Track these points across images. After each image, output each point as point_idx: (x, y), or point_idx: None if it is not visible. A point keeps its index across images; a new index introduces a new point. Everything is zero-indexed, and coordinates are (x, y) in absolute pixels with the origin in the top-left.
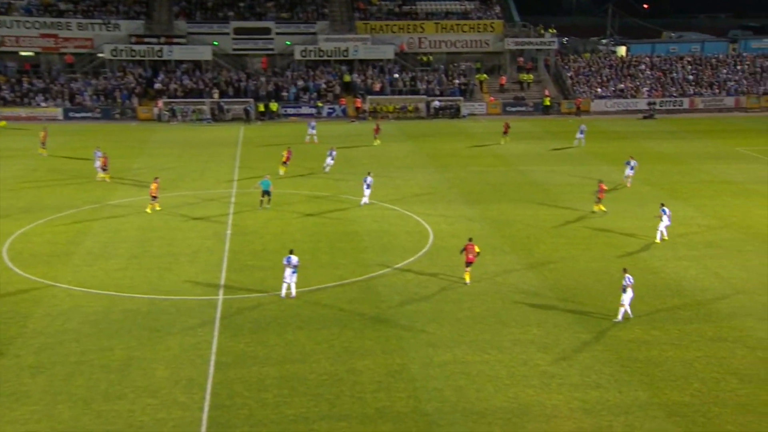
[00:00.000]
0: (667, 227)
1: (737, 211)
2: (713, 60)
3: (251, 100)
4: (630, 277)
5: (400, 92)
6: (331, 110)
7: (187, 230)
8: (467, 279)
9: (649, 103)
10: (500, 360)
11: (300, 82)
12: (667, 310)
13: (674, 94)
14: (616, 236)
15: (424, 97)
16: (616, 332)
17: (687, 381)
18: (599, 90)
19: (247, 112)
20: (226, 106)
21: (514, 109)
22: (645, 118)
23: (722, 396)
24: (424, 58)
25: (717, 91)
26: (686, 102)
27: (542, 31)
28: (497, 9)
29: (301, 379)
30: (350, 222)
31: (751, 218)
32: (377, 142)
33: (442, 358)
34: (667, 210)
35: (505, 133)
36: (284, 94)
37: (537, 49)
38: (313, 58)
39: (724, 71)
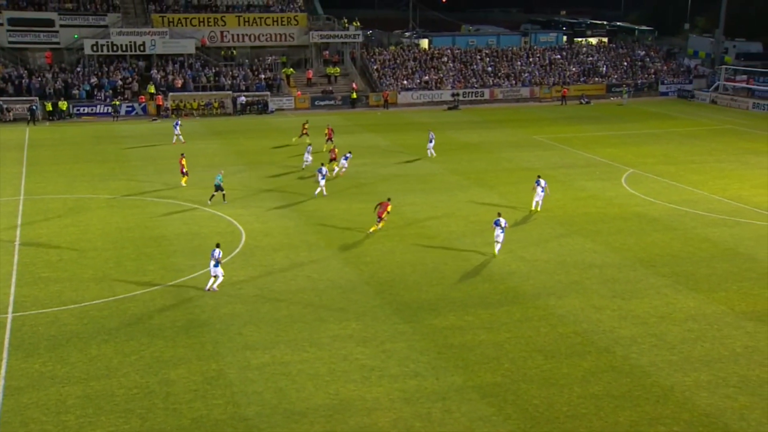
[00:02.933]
0: (541, 199)
1: (530, 197)
2: (509, 52)
3: (36, 98)
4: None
5: (204, 88)
6: (130, 108)
7: None
8: (374, 229)
9: (453, 94)
10: (320, 357)
11: (93, 79)
12: (478, 296)
13: (475, 85)
14: (428, 227)
15: (230, 92)
16: (431, 320)
17: (498, 362)
18: (405, 82)
19: (32, 111)
20: (5, 106)
21: (322, 103)
22: (450, 108)
23: (529, 373)
24: (228, 53)
25: (513, 82)
26: (487, 92)
27: (346, 25)
28: (299, 2)
29: (108, 395)
30: (157, 226)
31: (549, 202)
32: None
33: (261, 360)
34: (542, 182)
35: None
36: (75, 92)
37: (342, 42)
38: (106, 53)
39: (519, 63)
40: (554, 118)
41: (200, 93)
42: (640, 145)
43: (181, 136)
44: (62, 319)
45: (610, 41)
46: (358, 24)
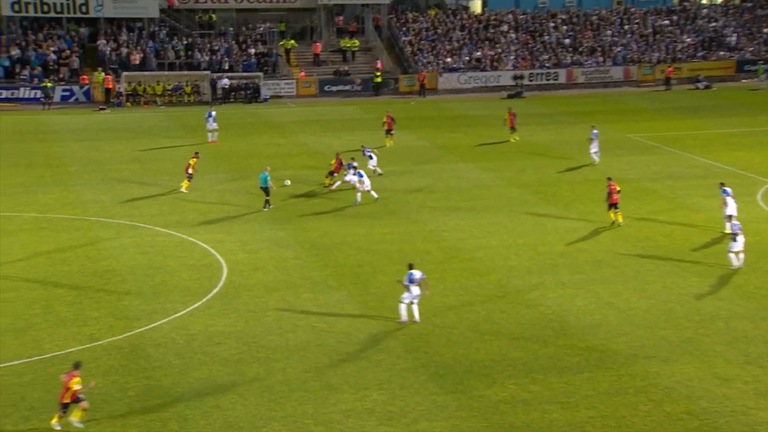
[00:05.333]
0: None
1: (632, 220)
2: (595, 18)
3: None
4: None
5: (172, 67)
6: (66, 93)
7: None
8: (620, 219)
9: (516, 77)
10: None
11: (14, 51)
12: (549, 357)
13: (547, 65)
14: (478, 260)
15: (207, 73)
16: (483, 390)
17: None
18: (449, 60)
19: None
20: None
21: (335, 88)
22: (510, 96)
23: None
24: (205, 18)
25: (601, 59)
26: (562, 74)
27: None
28: None
29: None
30: (104, 256)
31: (650, 228)
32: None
33: None
34: (729, 190)
35: (512, 128)
36: None
37: (363, 5)
38: (33, 14)
39: (609, 33)
40: (657, 109)
41: (166, 73)
42: None
43: (216, 133)
44: None
45: None
46: None
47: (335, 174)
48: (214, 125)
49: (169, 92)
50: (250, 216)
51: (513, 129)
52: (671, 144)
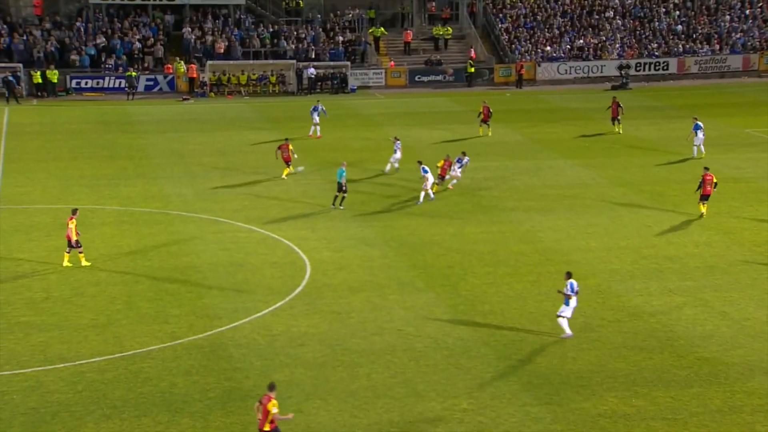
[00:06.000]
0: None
1: (749, 223)
2: (711, 2)
3: (18, 65)
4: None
5: (257, 55)
6: (151, 82)
7: None
8: (704, 210)
9: (621, 66)
10: None
11: (100, 39)
12: (654, 369)
13: (656, 53)
14: (576, 263)
15: (293, 62)
16: (581, 403)
17: None
18: (549, 49)
19: (9, 84)
20: None
21: (426, 78)
22: (615, 87)
23: None
24: (292, 4)
25: (717, 46)
26: (674, 63)
27: None
28: None
29: None
30: (186, 252)
31: None
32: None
33: None
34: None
35: (615, 118)
36: (74, 57)
37: None
38: (119, 1)
39: (728, 17)
40: None
41: (251, 62)
42: None
43: (319, 128)
44: (47, 383)
45: None
46: None
47: (444, 178)
48: (317, 119)
49: (254, 82)
50: (335, 212)
51: (616, 120)
52: None
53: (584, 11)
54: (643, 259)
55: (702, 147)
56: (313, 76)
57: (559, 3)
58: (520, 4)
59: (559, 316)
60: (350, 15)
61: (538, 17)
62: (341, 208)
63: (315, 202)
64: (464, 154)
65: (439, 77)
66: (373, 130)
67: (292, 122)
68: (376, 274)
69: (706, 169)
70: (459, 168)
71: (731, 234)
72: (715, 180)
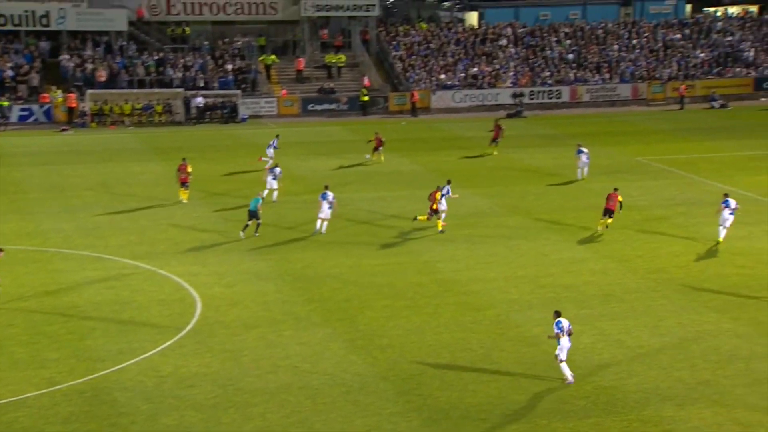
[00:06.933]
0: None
1: (643, 250)
2: (600, 31)
3: None
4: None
5: (142, 84)
6: (25, 112)
7: None
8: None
9: (515, 95)
10: None
11: None
12: (553, 400)
13: (549, 81)
14: (474, 293)
15: (180, 90)
16: None
17: None
18: (443, 77)
19: None
20: None
21: (319, 107)
22: (510, 116)
23: None
24: (178, 31)
25: (608, 75)
26: (566, 92)
27: None
28: None
29: None
30: (66, 291)
31: (661, 259)
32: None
33: None
34: (732, 202)
35: (494, 140)
36: None
37: (350, 17)
38: None
39: (616, 47)
40: (669, 129)
41: (135, 91)
42: None
43: (272, 160)
44: None
45: (762, 11)
46: None
47: (436, 212)
48: (272, 152)
49: (139, 111)
50: (228, 246)
51: (494, 142)
52: (684, 168)
53: (477, 39)
54: (540, 288)
55: (585, 170)
56: (201, 105)
57: (453, 31)
58: (413, 31)
59: (558, 359)
60: (239, 42)
61: (432, 45)
62: (256, 234)
63: (205, 235)
64: (449, 182)
65: (333, 106)
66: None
67: (180, 153)
68: (270, 310)
69: (616, 189)
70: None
71: (626, 262)
72: (620, 199)
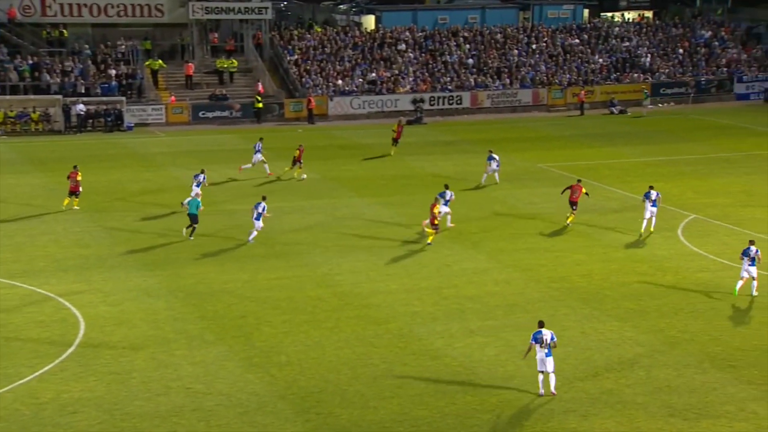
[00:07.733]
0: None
1: (545, 259)
2: (500, 35)
3: None
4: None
5: (15, 90)
6: None
7: None
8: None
9: (415, 101)
10: None
11: None
12: (457, 415)
13: (449, 87)
14: (375, 306)
15: (59, 97)
16: None
17: None
18: (340, 82)
19: None
20: None
21: (211, 114)
22: (409, 123)
23: None
24: (55, 33)
25: (507, 81)
26: (466, 97)
27: None
28: None
29: None
30: None
31: (564, 267)
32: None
33: None
34: (653, 193)
35: (396, 140)
36: None
37: (241, 20)
38: None
39: (516, 52)
40: (570, 135)
41: (8, 97)
42: (706, 177)
43: (267, 165)
44: None
45: (656, 17)
46: None
47: (437, 227)
48: (261, 156)
49: (12, 120)
50: (113, 261)
51: (396, 142)
52: (585, 174)
53: (375, 43)
54: (444, 300)
55: (496, 176)
56: (82, 113)
57: (350, 35)
58: (308, 35)
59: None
60: (123, 46)
61: (328, 49)
62: (191, 239)
63: (89, 251)
64: (446, 187)
65: (226, 113)
66: (154, 170)
67: (60, 163)
68: (161, 328)
69: (579, 181)
70: (445, 204)
71: (529, 271)
72: (584, 191)
